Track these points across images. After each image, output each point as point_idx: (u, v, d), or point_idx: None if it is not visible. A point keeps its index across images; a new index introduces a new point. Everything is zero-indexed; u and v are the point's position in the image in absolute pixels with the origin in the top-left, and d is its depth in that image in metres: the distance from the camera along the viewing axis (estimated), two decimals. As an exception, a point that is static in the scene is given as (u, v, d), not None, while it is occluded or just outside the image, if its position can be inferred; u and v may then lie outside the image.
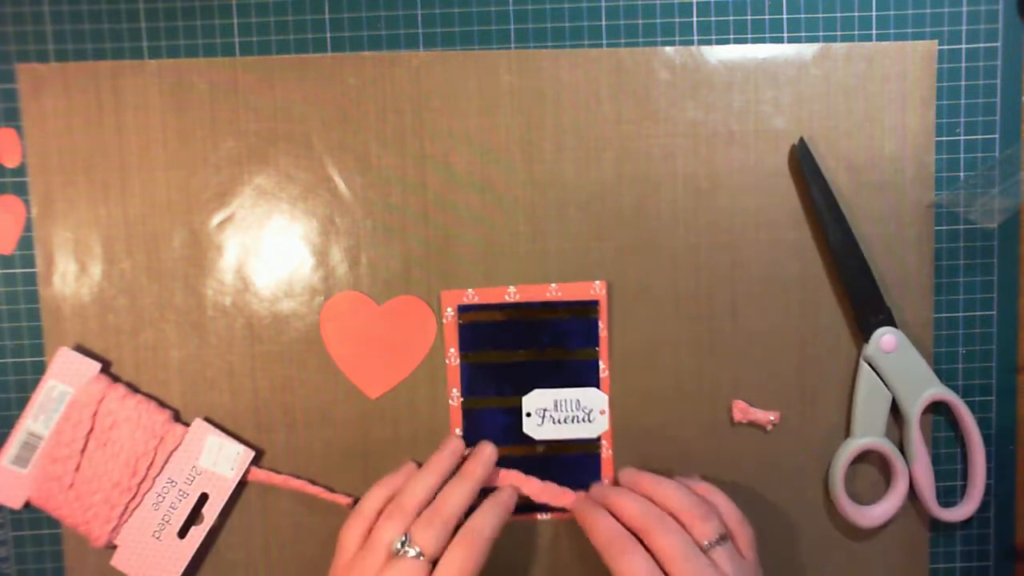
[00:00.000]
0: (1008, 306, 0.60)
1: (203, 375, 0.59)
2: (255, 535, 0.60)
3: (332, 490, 0.59)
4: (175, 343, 0.59)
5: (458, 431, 0.59)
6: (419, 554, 0.51)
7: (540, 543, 0.61)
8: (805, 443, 0.60)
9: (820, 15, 0.58)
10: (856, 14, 0.58)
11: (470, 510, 0.55)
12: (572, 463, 0.60)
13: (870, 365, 0.59)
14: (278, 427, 0.59)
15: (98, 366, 0.57)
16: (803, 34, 0.58)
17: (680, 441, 0.60)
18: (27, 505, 0.58)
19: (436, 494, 0.55)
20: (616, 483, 0.59)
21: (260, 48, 0.58)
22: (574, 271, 0.59)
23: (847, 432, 0.60)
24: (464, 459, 0.58)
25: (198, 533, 0.58)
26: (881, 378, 0.58)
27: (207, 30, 0.58)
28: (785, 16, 0.58)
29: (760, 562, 0.54)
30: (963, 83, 0.58)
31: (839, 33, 0.58)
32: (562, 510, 0.59)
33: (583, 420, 0.59)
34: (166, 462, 0.58)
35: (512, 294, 0.59)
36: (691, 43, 0.58)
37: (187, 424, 0.58)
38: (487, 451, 0.58)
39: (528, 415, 0.59)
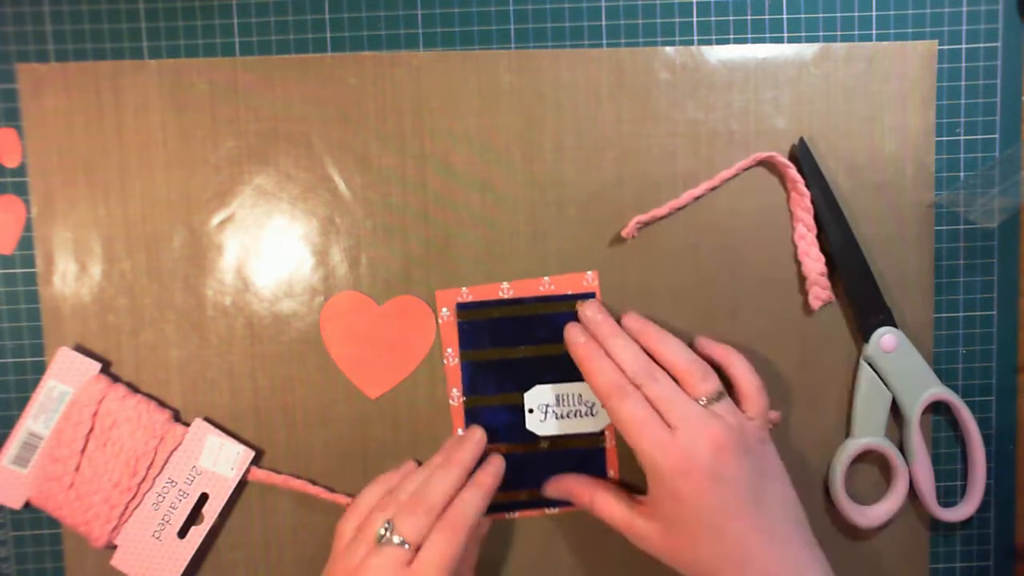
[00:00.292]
0: (1008, 306, 0.60)
1: (203, 375, 0.59)
2: (255, 535, 0.60)
3: (332, 490, 0.59)
4: (175, 343, 0.59)
5: (460, 431, 0.60)
6: (402, 542, 0.51)
7: (534, 538, 0.61)
8: (805, 443, 0.60)
9: (820, 15, 0.58)
10: (856, 14, 0.58)
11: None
12: (577, 457, 0.60)
13: (870, 365, 0.59)
14: (278, 427, 0.59)
15: (98, 366, 0.58)
16: (803, 34, 0.58)
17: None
18: (27, 505, 0.58)
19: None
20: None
21: (260, 48, 0.58)
22: (574, 270, 0.59)
23: (847, 432, 0.60)
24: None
25: (198, 533, 0.58)
26: (881, 378, 0.59)
27: (207, 30, 0.58)
28: (785, 16, 0.58)
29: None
30: (963, 83, 0.58)
31: (839, 33, 0.58)
32: (556, 504, 0.60)
33: (586, 414, 0.59)
34: (166, 462, 0.58)
35: (506, 290, 0.59)
36: (691, 43, 0.58)
37: (187, 424, 0.58)
38: (475, 435, 0.58)
39: (531, 411, 0.59)
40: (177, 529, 0.58)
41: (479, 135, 0.58)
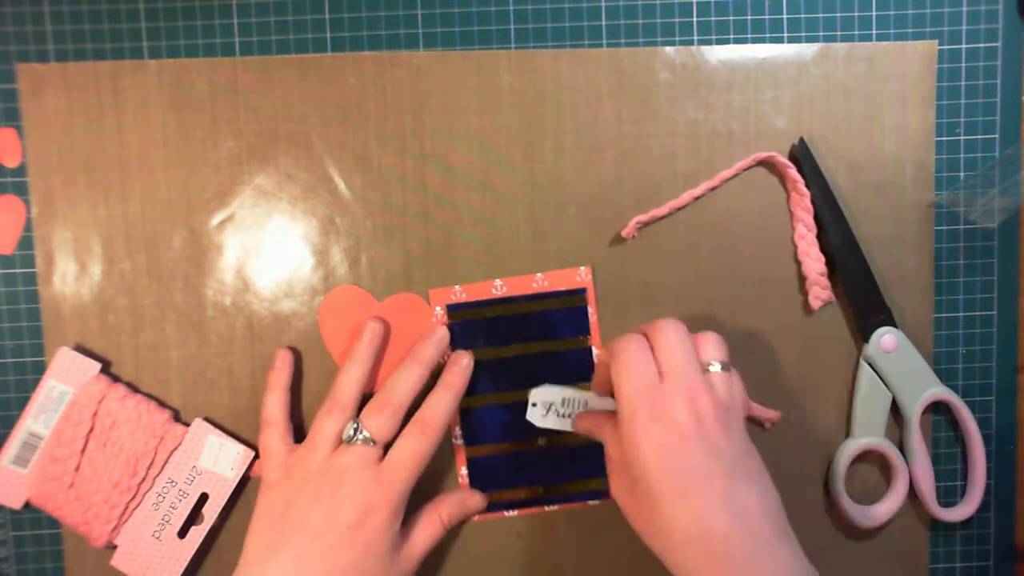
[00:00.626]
0: (1008, 306, 0.60)
1: (203, 375, 0.59)
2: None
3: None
4: (175, 343, 0.59)
5: (457, 434, 0.60)
6: (369, 440, 0.52)
7: (533, 536, 0.61)
8: (805, 443, 0.60)
9: (820, 15, 0.58)
10: (856, 14, 0.58)
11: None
12: (576, 454, 0.60)
13: (870, 365, 0.59)
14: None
15: (98, 366, 0.58)
16: (803, 34, 0.58)
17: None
18: (27, 505, 0.58)
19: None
20: None
21: (260, 48, 0.58)
22: (574, 268, 0.59)
23: (847, 432, 0.60)
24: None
25: (198, 533, 0.58)
26: (881, 378, 0.59)
27: (207, 30, 0.58)
28: (785, 16, 0.58)
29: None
30: (963, 83, 0.59)
31: (839, 33, 0.58)
32: (555, 501, 0.60)
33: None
34: (166, 462, 0.58)
35: (499, 287, 0.59)
36: (691, 43, 0.58)
37: (187, 424, 0.58)
38: (437, 334, 0.58)
39: (534, 405, 0.59)
40: (177, 529, 0.58)
41: (479, 135, 0.58)
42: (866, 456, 0.60)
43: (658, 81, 0.58)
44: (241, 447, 0.58)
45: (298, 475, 0.53)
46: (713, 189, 0.59)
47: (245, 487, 0.60)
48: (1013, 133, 0.59)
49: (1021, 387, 0.61)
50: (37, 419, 0.57)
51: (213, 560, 0.60)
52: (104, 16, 0.58)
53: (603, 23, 0.58)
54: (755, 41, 0.58)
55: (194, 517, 0.58)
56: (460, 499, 0.58)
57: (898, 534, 0.61)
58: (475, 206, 0.59)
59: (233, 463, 0.58)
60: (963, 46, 0.58)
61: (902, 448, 0.60)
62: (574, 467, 0.60)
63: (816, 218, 0.58)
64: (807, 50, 0.58)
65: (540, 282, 0.59)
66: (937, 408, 0.61)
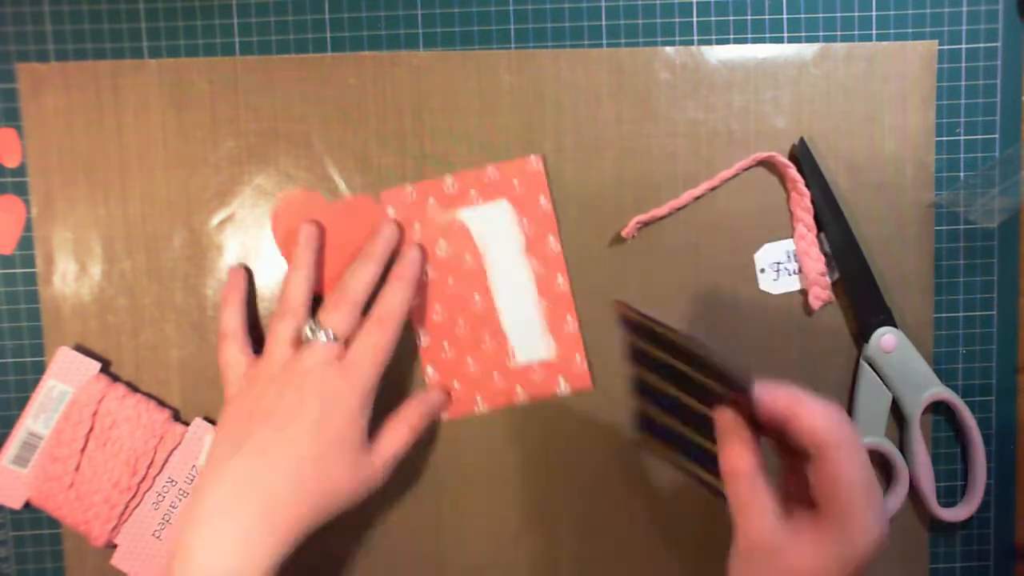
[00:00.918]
0: (1008, 306, 0.60)
1: (203, 375, 0.59)
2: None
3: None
4: (175, 343, 0.59)
5: (421, 331, 0.60)
6: (331, 335, 0.52)
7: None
8: (805, 443, 0.60)
9: (820, 15, 0.58)
10: (856, 14, 0.58)
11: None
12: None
13: (870, 365, 0.59)
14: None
15: (98, 365, 0.58)
16: (803, 34, 0.58)
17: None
18: (27, 505, 0.58)
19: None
20: None
21: (260, 48, 0.58)
22: (574, 270, 0.59)
23: (847, 432, 0.60)
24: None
25: None
26: (881, 378, 0.59)
27: (207, 30, 0.58)
28: (785, 16, 0.58)
29: None
30: (963, 83, 0.59)
31: (839, 33, 0.58)
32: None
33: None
34: (166, 461, 0.58)
35: (450, 185, 0.59)
36: (691, 43, 0.58)
37: (187, 424, 0.59)
38: (386, 230, 0.58)
39: (762, 271, 0.59)
40: None
41: (479, 135, 0.59)
42: (866, 456, 0.60)
43: (658, 81, 0.58)
44: None
45: (261, 381, 0.53)
46: (713, 189, 0.59)
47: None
48: (1013, 133, 0.59)
49: (1021, 387, 0.61)
50: (37, 419, 0.57)
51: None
52: (104, 16, 0.58)
53: (603, 23, 0.58)
54: (755, 41, 0.58)
55: None
56: (421, 399, 0.58)
57: (898, 534, 0.61)
58: (475, 206, 0.59)
59: None
60: (963, 46, 0.58)
61: (902, 448, 0.60)
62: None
63: (816, 218, 0.58)
64: (807, 50, 0.58)
65: (491, 175, 0.59)
66: (937, 408, 0.61)
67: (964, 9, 0.58)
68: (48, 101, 0.58)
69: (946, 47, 0.58)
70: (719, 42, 0.58)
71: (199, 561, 0.48)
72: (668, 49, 0.58)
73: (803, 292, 0.59)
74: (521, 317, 0.60)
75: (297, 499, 0.50)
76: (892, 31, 0.58)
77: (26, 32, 0.58)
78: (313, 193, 0.59)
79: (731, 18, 0.58)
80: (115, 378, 0.59)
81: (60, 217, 0.58)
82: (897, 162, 0.59)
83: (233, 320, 0.56)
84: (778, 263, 0.59)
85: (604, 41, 0.58)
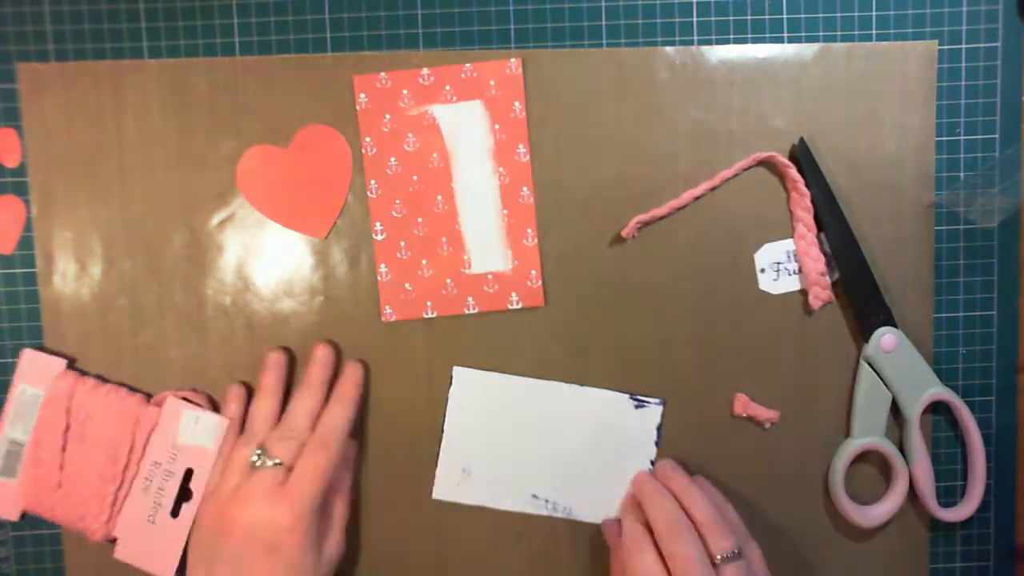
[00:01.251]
0: (1008, 306, 0.61)
1: (203, 375, 0.60)
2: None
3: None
4: (175, 343, 0.59)
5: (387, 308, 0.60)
6: (276, 463, 0.54)
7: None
8: (805, 443, 0.60)
9: (820, 15, 0.58)
10: (856, 14, 0.58)
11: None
12: None
13: (870, 365, 0.59)
14: (278, 427, 0.60)
15: (63, 362, 0.58)
16: (803, 34, 0.58)
17: (680, 440, 0.60)
18: (24, 515, 0.59)
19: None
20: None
21: (260, 48, 0.58)
22: (574, 269, 0.59)
23: (847, 432, 0.60)
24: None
25: (190, 510, 0.58)
26: (881, 378, 0.59)
27: (207, 30, 0.58)
28: (785, 16, 0.58)
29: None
30: (963, 83, 0.59)
31: (839, 33, 0.58)
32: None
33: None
34: (146, 445, 0.58)
35: (426, 77, 0.59)
36: (691, 43, 0.58)
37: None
38: (321, 355, 0.59)
39: (762, 271, 0.60)
40: (169, 510, 0.58)
41: (478, 134, 0.59)
42: (866, 456, 0.61)
43: (658, 81, 0.59)
44: (217, 417, 0.58)
45: (216, 501, 0.55)
46: (713, 189, 0.59)
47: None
48: (1013, 133, 0.59)
49: (1021, 387, 0.61)
50: (15, 426, 0.58)
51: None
52: (104, 16, 0.58)
53: (603, 23, 0.58)
54: (755, 41, 0.59)
55: (184, 495, 0.58)
56: (346, 381, 0.59)
57: (898, 534, 0.61)
58: (475, 206, 0.59)
59: (211, 434, 0.58)
60: (963, 46, 0.59)
61: (902, 448, 0.60)
62: None
63: (816, 218, 0.58)
64: (807, 50, 0.58)
65: (468, 72, 0.59)
66: (937, 408, 0.61)
67: (964, 9, 0.59)
68: (48, 101, 0.58)
69: (946, 47, 0.59)
70: (719, 42, 0.59)
71: None
72: (668, 49, 0.58)
73: (803, 292, 0.60)
74: (481, 225, 0.60)
75: None
76: (892, 31, 0.59)
77: (26, 32, 0.58)
78: (266, 146, 0.59)
79: (731, 18, 0.59)
80: (83, 373, 0.59)
81: (60, 216, 0.58)
82: (897, 162, 0.59)
83: (262, 422, 0.58)
84: (778, 263, 0.60)
85: (604, 41, 0.59)
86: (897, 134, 0.59)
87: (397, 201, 0.59)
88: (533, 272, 0.59)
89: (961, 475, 0.62)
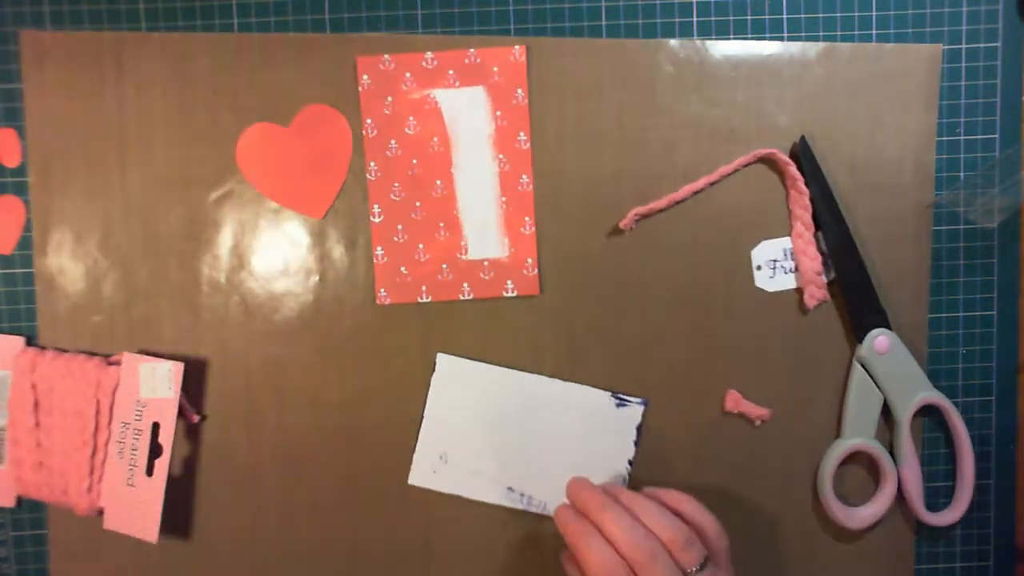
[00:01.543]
0: (1008, 306, 0.61)
1: (196, 351, 0.60)
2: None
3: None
4: (168, 319, 0.60)
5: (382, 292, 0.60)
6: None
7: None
8: (795, 442, 0.61)
9: (820, 15, 0.59)
10: (856, 14, 0.59)
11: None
12: None
13: (863, 366, 0.60)
14: (268, 407, 0.61)
15: (21, 340, 0.59)
16: (803, 34, 0.59)
17: (669, 436, 0.61)
18: (20, 502, 0.60)
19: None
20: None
21: (259, 29, 0.59)
22: (570, 259, 0.60)
23: (837, 432, 0.61)
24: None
25: (162, 465, 0.58)
26: (873, 379, 0.60)
27: (206, 11, 0.59)
28: (785, 16, 0.59)
29: (743, 559, 0.53)
30: (963, 83, 0.59)
31: (839, 33, 0.59)
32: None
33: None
34: (112, 406, 0.58)
35: (430, 60, 0.59)
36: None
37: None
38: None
39: (759, 268, 0.60)
40: (144, 469, 0.58)
41: (479, 124, 0.60)
42: (855, 457, 0.61)
43: (661, 74, 0.59)
44: (170, 363, 0.58)
45: None
46: (713, 184, 0.60)
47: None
48: (1013, 133, 0.60)
49: (1021, 387, 0.62)
50: (-7, 412, 0.60)
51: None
52: (104, 16, 0.59)
53: (603, 23, 0.59)
54: (756, 41, 0.59)
55: (155, 451, 0.59)
56: None
57: (885, 536, 0.62)
58: (473, 193, 0.60)
59: (168, 382, 0.58)
60: (963, 46, 0.59)
61: (892, 451, 0.60)
62: None
63: (814, 217, 0.59)
64: (811, 49, 0.59)
65: (472, 58, 0.59)
66: (929, 411, 0.61)
67: (964, 9, 0.59)
68: (50, 70, 0.59)
69: (946, 47, 0.59)
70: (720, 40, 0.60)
71: None
72: (672, 42, 0.59)
73: (799, 290, 0.60)
74: (479, 211, 0.60)
75: None
76: (892, 31, 0.59)
77: (24, 13, 0.59)
78: (266, 124, 0.59)
79: (731, 18, 0.59)
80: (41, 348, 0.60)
81: (58, 189, 0.59)
82: (897, 164, 0.60)
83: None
84: (775, 260, 0.60)
85: (604, 23, 0.59)
86: (898, 136, 0.59)
87: (396, 184, 0.60)
88: (529, 260, 0.60)
89: (950, 479, 0.62)
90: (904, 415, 0.59)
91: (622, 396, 0.60)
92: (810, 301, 0.59)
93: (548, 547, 0.61)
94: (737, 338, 0.60)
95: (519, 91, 0.59)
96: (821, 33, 0.59)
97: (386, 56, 0.59)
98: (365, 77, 0.59)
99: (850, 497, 0.61)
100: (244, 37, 0.59)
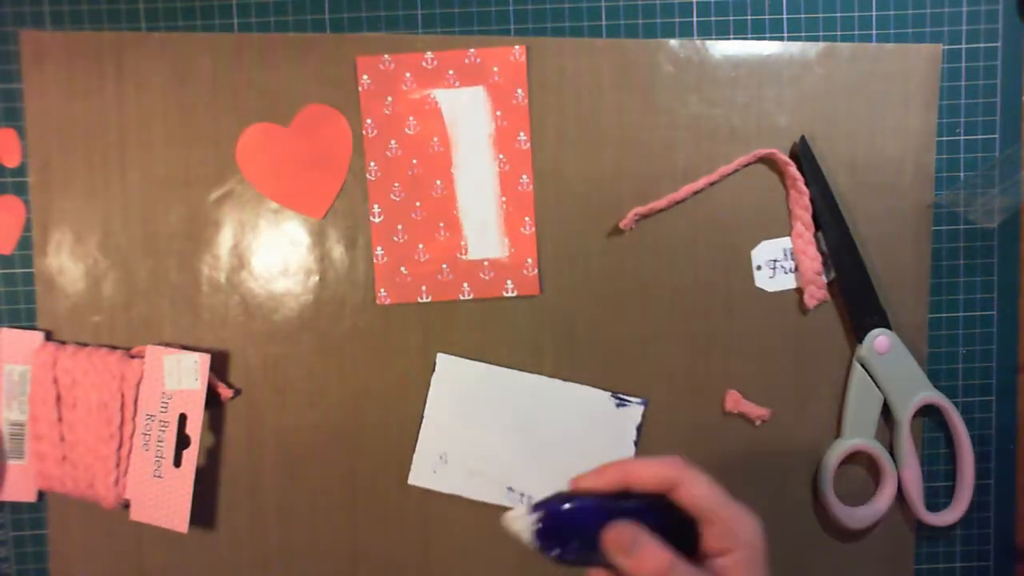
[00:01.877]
0: (1008, 306, 0.62)
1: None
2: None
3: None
4: (169, 318, 0.61)
5: (382, 292, 0.61)
6: None
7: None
8: (795, 441, 0.61)
9: (820, 15, 0.59)
10: (856, 14, 0.59)
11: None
12: None
13: (863, 366, 0.60)
14: (268, 406, 0.61)
15: (41, 335, 0.60)
16: (803, 34, 0.60)
17: (669, 436, 0.61)
18: (42, 496, 0.61)
19: None
20: None
21: (259, 30, 0.60)
22: (570, 259, 0.60)
23: (837, 432, 0.61)
24: None
25: (190, 456, 0.59)
26: (873, 379, 0.60)
27: (206, 11, 0.59)
28: (785, 16, 0.59)
29: None
30: (963, 83, 0.60)
31: (839, 33, 0.60)
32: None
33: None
34: (136, 398, 0.59)
35: (430, 60, 0.60)
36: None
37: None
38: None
39: (759, 268, 0.61)
40: (171, 460, 0.59)
41: (478, 124, 0.61)
42: (855, 457, 0.61)
43: (661, 74, 0.60)
44: (196, 355, 0.59)
45: None
46: (713, 184, 0.60)
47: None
48: (1013, 133, 0.60)
49: (1021, 387, 0.62)
50: (11, 407, 0.59)
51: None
52: (104, 16, 0.60)
53: (603, 23, 0.60)
54: (755, 41, 0.60)
55: (182, 442, 0.59)
56: None
57: (884, 536, 0.62)
58: (473, 194, 0.61)
59: (195, 373, 0.59)
60: (963, 46, 0.60)
61: (891, 451, 0.61)
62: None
63: (814, 217, 0.59)
64: (811, 49, 0.60)
65: (472, 58, 0.60)
66: (929, 411, 0.62)
67: (964, 9, 0.60)
68: (50, 69, 0.60)
69: (946, 47, 0.60)
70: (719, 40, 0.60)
71: None
72: (672, 42, 0.60)
73: (799, 290, 0.61)
74: (479, 211, 0.61)
75: None
76: (892, 31, 0.60)
77: (24, 13, 0.59)
78: (266, 124, 0.60)
79: (731, 18, 0.60)
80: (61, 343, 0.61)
81: (58, 189, 0.60)
82: (897, 164, 0.60)
83: None
84: (775, 260, 0.61)
85: (604, 23, 0.60)
86: (898, 136, 0.60)
87: (396, 184, 0.60)
88: (529, 260, 0.60)
89: (950, 479, 0.62)
90: (904, 415, 0.60)
91: (622, 396, 0.61)
92: (810, 301, 0.60)
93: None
94: (737, 338, 0.61)
95: (519, 91, 0.60)
96: (821, 33, 0.60)
97: (386, 56, 0.60)
98: (365, 77, 0.60)
99: (850, 497, 0.61)
100: (244, 37, 0.60)
